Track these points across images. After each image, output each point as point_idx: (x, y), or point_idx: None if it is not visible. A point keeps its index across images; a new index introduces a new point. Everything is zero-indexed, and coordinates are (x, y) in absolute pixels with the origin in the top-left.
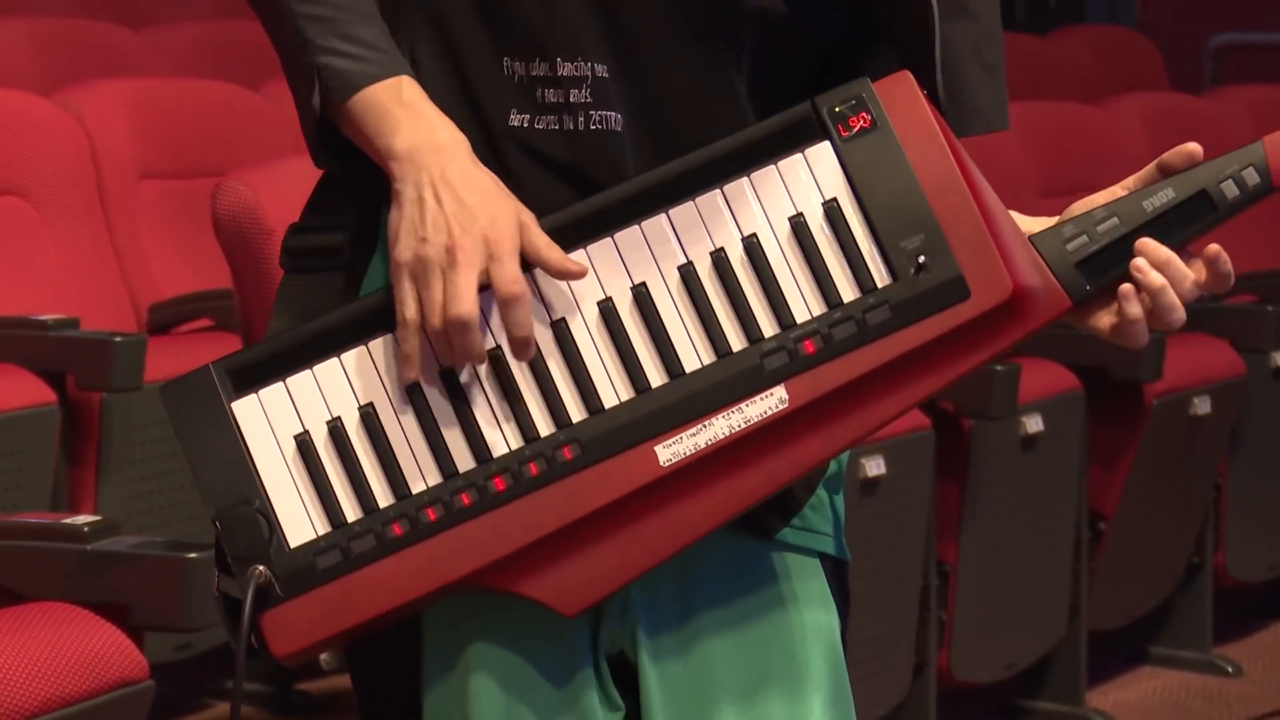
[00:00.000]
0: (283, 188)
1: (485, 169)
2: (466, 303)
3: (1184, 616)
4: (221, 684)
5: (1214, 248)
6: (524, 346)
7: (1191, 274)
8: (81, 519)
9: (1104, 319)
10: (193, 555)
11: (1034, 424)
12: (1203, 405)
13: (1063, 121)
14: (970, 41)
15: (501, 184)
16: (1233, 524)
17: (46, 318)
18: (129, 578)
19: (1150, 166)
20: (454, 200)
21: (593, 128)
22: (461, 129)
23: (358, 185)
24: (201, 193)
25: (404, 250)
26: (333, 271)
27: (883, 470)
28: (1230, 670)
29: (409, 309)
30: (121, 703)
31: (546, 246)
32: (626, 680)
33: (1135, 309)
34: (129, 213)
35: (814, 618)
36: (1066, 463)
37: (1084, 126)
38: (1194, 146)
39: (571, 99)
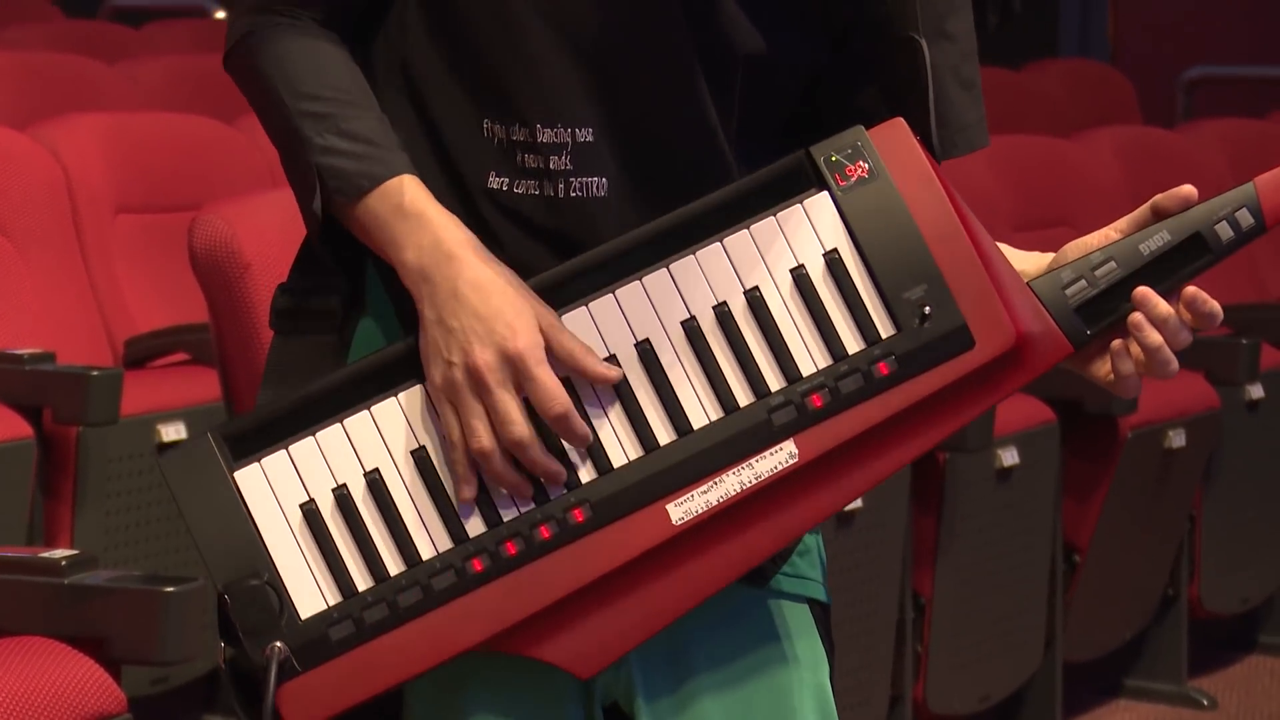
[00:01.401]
0: (259, 221)
1: (498, 265)
2: (518, 427)
3: (1159, 648)
4: (197, 717)
5: (1190, 290)
6: (583, 444)
7: (1187, 330)
8: (58, 552)
9: (1101, 367)
10: (170, 589)
11: (1009, 456)
12: (1177, 438)
13: (1036, 155)
14: (951, 63)
15: (517, 280)
16: (1207, 556)
17: (23, 352)
18: (106, 611)
19: (1143, 207)
20: (470, 314)
21: (573, 195)
22: (438, 192)
23: (351, 252)
24: (177, 226)
25: (435, 375)
26: (325, 334)
27: (858, 503)
28: (1205, 703)
29: (453, 432)
30: None
31: (581, 352)
32: None
33: (1128, 365)
34: (105, 246)
35: (806, 666)
36: (1041, 495)
37: (1057, 160)
38: (1189, 189)
39: (551, 165)
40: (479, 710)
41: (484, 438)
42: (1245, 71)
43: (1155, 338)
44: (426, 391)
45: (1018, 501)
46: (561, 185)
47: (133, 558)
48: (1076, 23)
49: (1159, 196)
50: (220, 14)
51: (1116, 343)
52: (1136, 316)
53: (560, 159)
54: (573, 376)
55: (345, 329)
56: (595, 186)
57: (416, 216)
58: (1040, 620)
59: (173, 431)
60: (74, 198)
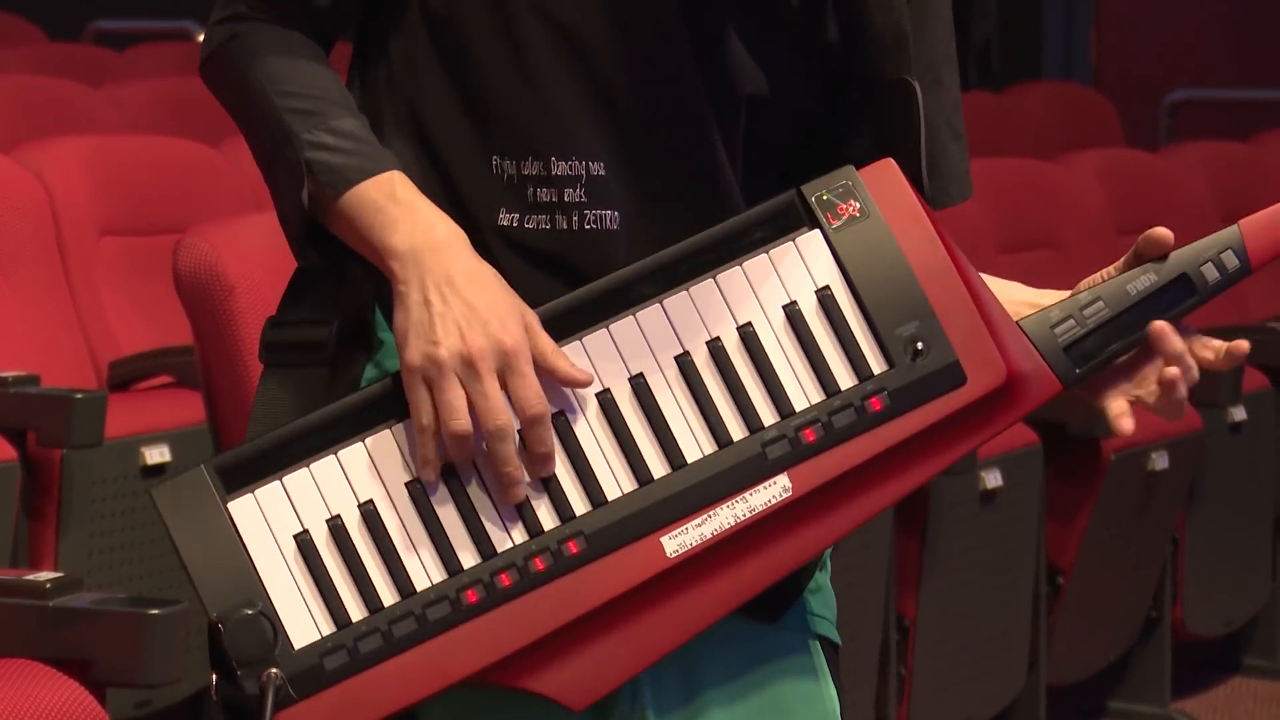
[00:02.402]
0: (244, 244)
1: (485, 263)
2: (503, 413)
3: (1142, 671)
4: None
5: (1242, 344)
6: (546, 463)
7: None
8: (43, 575)
9: (1115, 403)
10: (154, 611)
11: (993, 479)
12: (1160, 460)
13: (1019, 177)
14: (944, 111)
15: (503, 280)
16: (1191, 578)
17: (6, 375)
18: (90, 634)
19: (1132, 249)
20: (461, 301)
21: (587, 227)
22: None
23: (338, 278)
24: (161, 249)
25: (414, 354)
26: (315, 366)
27: None
28: None
29: (424, 414)
30: None
31: (554, 353)
32: None
33: (1118, 406)
34: (89, 269)
35: (817, 703)
36: (1025, 517)
37: (1040, 182)
38: (1163, 233)
39: (566, 198)
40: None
41: (464, 419)
42: (1228, 94)
43: (1173, 373)
44: None
45: (1001, 524)
46: (576, 217)
47: (117, 580)
48: (1060, 46)
49: (1140, 240)
50: (203, 37)
51: (1169, 372)
52: (1172, 371)
53: (575, 191)
54: (548, 379)
55: (339, 362)
56: (608, 219)
57: (408, 205)
58: (1024, 642)
59: (157, 454)
60: (58, 220)
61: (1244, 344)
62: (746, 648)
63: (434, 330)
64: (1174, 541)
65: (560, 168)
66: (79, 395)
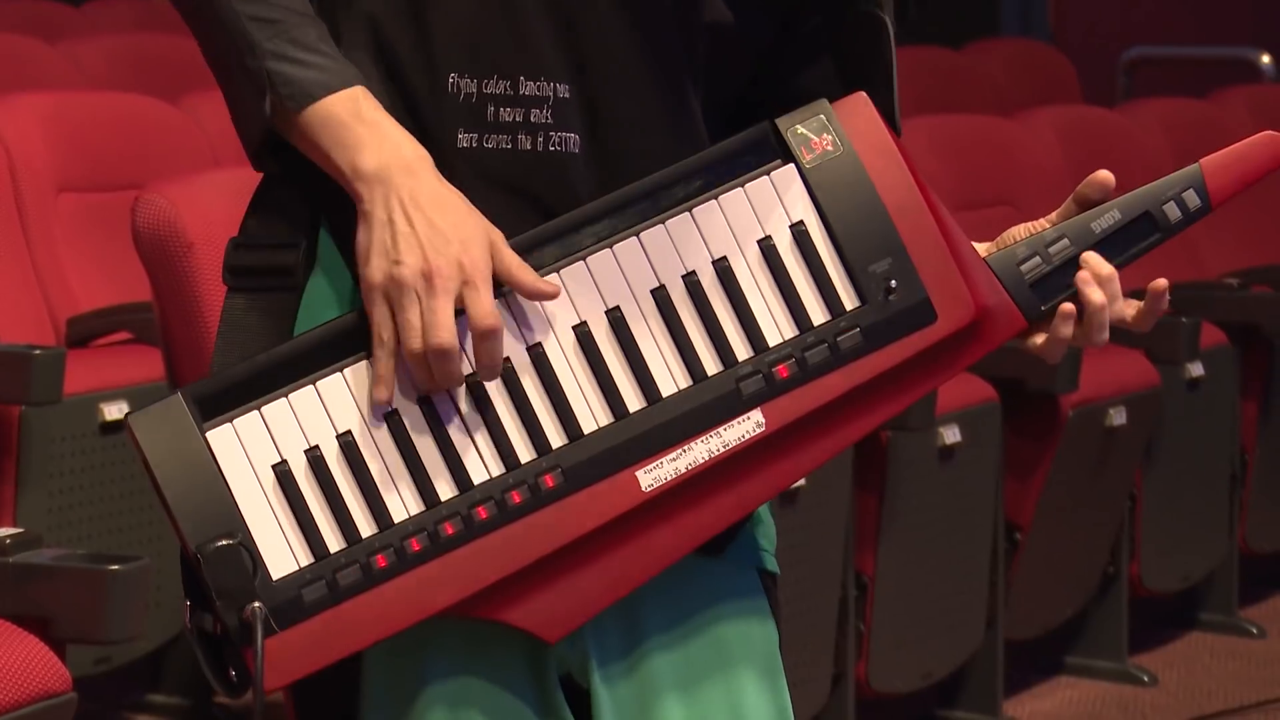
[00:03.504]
0: (202, 201)
1: (452, 187)
2: (446, 331)
3: (1100, 626)
4: (140, 698)
5: (1161, 282)
6: (492, 375)
7: (1133, 307)
8: (2, 532)
9: (1036, 336)
10: (114, 567)
11: (951, 435)
12: (1118, 416)
13: (977, 134)
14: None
15: (469, 202)
16: (1148, 534)
17: None
18: (50, 590)
19: (1068, 200)
20: (425, 222)
21: (551, 148)
22: None
23: (299, 191)
24: (119, 206)
25: (375, 272)
26: (282, 291)
27: (801, 482)
28: (1145, 680)
29: (384, 331)
30: (44, 715)
31: (518, 267)
32: (574, 702)
33: (1068, 330)
34: (46, 226)
35: (755, 632)
36: (983, 474)
37: (998, 139)
38: (1105, 175)
39: (533, 118)
40: (435, 678)
41: (419, 338)
42: (1185, 52)
43: (1099, 296)
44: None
45: (960, 480)
46: (541, 138)
47: (76, 537)
48: (1017, 3)
49: (1081, 185)
50: None
51: (1065, 306)
52: (1083, 274)
53: (542, 111)
54: (515, 293)
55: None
56: (571, 143)
57: (373, 124)
58: (982, 598)
59: (116, 410)
60: (15, 177)
61: (1162, 281)
62: (689, 587)
63: (397, 249)
64: (1131, 497)
65: (529, 87)
66: (37, 352)
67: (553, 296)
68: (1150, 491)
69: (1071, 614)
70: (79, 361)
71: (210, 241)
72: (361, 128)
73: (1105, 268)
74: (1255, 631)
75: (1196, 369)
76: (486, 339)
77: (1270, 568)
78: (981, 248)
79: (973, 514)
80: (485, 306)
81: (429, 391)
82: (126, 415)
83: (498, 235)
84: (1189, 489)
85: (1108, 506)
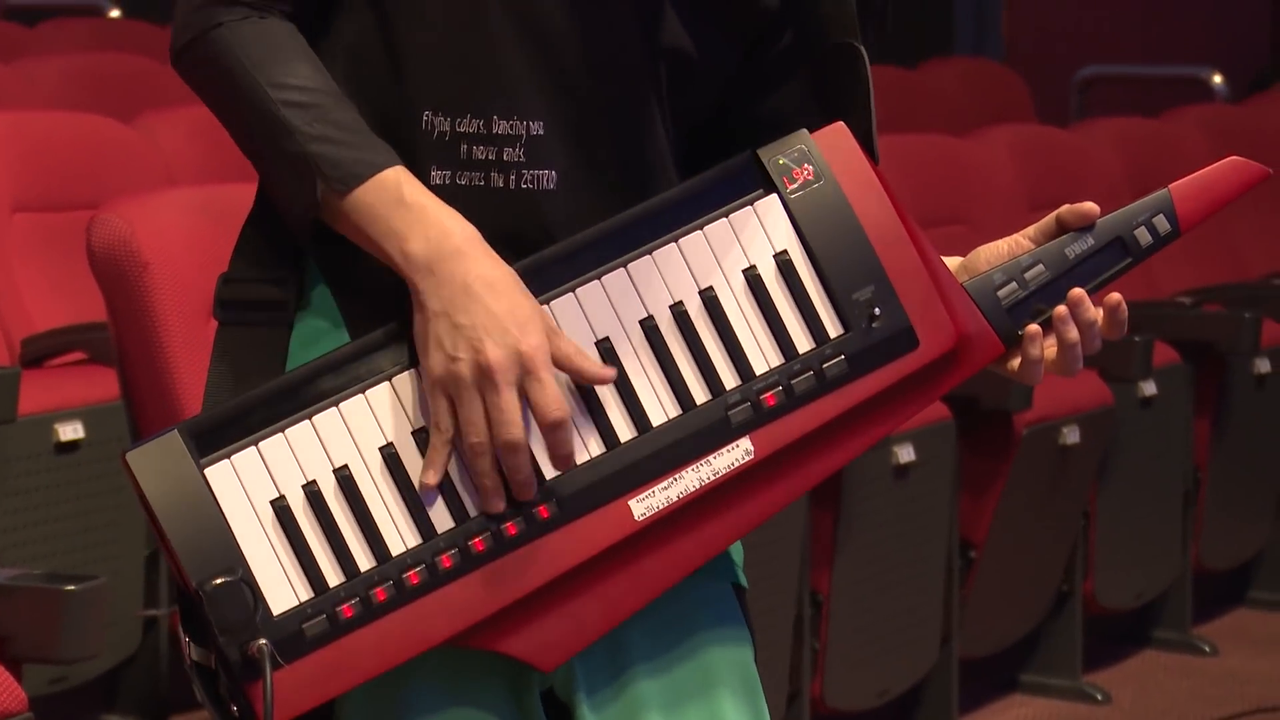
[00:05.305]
0: (157, 220)
1: (502, 264)
2: (514, 427)
3: (1054, 644)
4: (96, 718)
5: (1114, 297)
6: (565, 464)
7: (1099, 337)
8: None
9: (1013, 360)
10: (70, 587)
11: (906, 453)
12: (1072, 435)
13: (932, 153)
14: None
15: (521, 283)
16: (1102, 552)
17: None
18: (7, 610)
19: (1049, 217)
20: (482, 310)
21: (524, 186)
22: None
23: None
24: (74, 225)
25: (435, 366)
26: (273, 325)
27: None
28: (1099, 697)
29: (444, 421)
30: None
31: (576, 354)
32: (554, 717)
33: (1036, 351)
34: (1, 245)
35: (731, 646)
36: (938, 492)
37: (953, 158)
38: (1091, 206)
39: (505, 157)
40: (416, 704)
41: (483, 433)
42: (1138, 71)
43: (1074, 335)
44: (395, 388)
45: (914, 498)
46: (513, 176)
47: (31, 557)
48: (971, 22)
49: (1064, 209)
50: (115, 13)
51: (1032, 327)
52: (1062, 310)
53: (515, 150)
54: (570, 378)
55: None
56: (545, 179)
57: (419, 208)
58: (937, 616)
59: (71, 431)
60: None
61: (1116, 295)
62: (672, 605)
63: (455, 345)
64: (1085, 515)
65: (501, 126)
66: None
67: (612, 380)
68: (1104, 509)
69: (1026, 632)
70: (33, 381)
71: (166, 261)
72: (406, 213)
73: (1090, 313)
74: (1209, 649)
75: (1150, 387)
76: (556, 430)
77: (1224, 585)
78: (950, 263)
79: (927, 532)
80: (550, 397)
81: (483, 486)
82: (124, 453)
83: (550, 319)
84: (1143, 507)
85: (1062, 524)
